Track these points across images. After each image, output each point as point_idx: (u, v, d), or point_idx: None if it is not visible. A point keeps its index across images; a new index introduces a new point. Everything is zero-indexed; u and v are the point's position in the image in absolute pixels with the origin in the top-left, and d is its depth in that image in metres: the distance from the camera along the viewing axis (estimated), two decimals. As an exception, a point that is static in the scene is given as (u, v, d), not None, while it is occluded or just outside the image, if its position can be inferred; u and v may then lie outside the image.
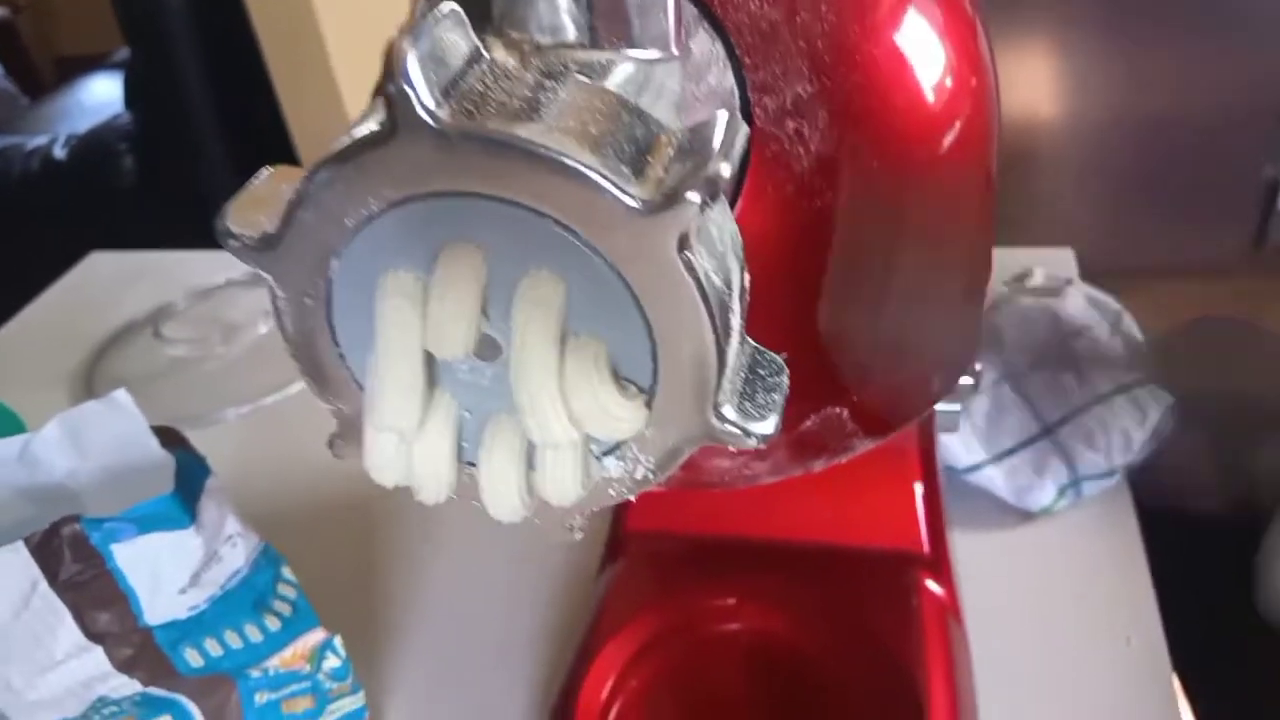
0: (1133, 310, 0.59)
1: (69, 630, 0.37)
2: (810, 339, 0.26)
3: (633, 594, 0.45)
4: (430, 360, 0.18)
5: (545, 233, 0.17)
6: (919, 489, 0.44)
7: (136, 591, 0.38)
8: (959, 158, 0.27)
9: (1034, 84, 1.75)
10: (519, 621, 0.52)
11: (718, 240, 0.18)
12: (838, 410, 0.28)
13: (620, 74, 0.20)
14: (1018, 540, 0.53)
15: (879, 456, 0.36)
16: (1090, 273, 0.67)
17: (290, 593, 0.43)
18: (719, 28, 0.23)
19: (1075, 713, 0.45)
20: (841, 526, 0.43)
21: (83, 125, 1.64)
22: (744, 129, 0.17)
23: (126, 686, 0.39)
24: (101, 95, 1.85)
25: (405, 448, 0.19)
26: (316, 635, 0.43)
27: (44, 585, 0.37)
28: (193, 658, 0.40)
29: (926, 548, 0.42)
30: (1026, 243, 0.74)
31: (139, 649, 0.39)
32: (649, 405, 0.18)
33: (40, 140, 1.63)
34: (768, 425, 0.18)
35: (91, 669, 0.38)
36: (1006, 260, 0.64)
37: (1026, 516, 0.54)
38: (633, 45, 0.21)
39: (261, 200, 0.18)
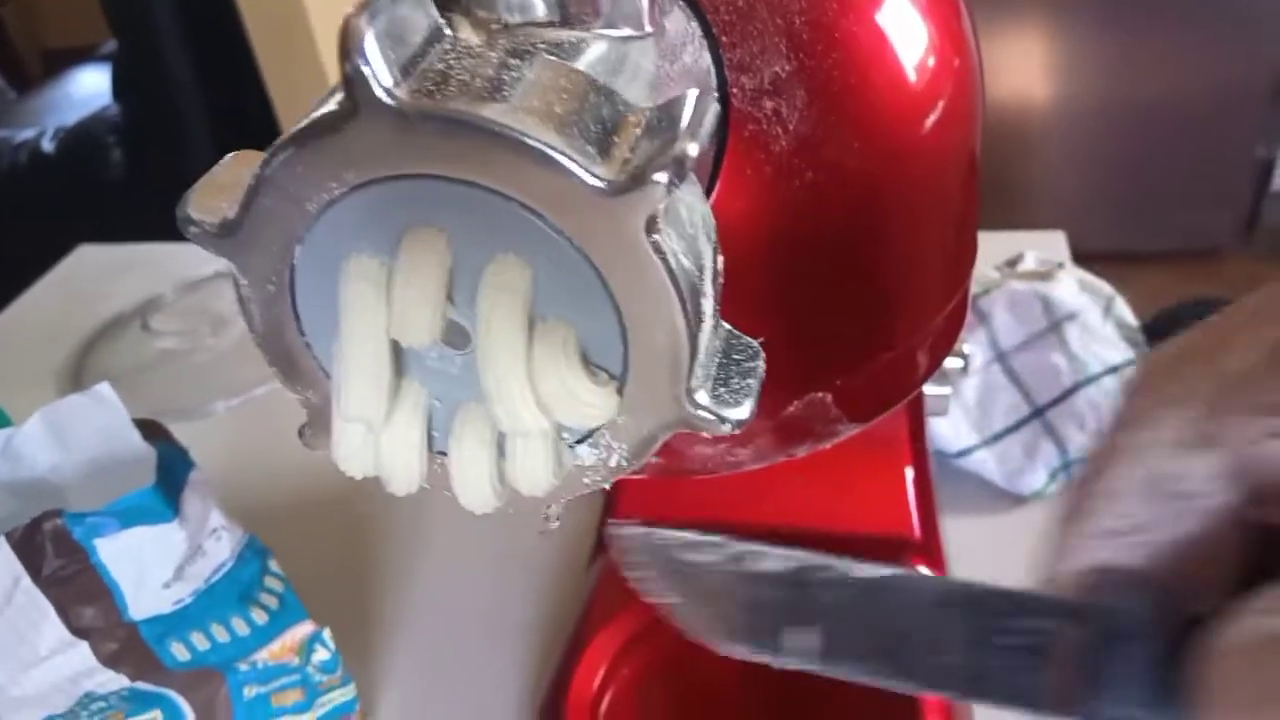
0: (1125, 294, 0.58)
1: (53, 626, 0.37)
2: (790, 322, 0.26)
3: (624, 584, 0.45)
4: (398, 348, 0.18)
5: (511, 216, 0.16)
6: (909, 474, 0.43)
7: (120, 586, 0.38)
8: (941, 138, 0.26)
9: (1027, 69, 1.74)
10: (510, 612, 0.52)
11: (688, 222, 0.17)
12: (821, 395, 0.27)
13: (592, 53, 0.20)
14: (1010, 525, 0.53)
15: (869, 441, 0.36)
16: (1082, 256, 0.67)
17: (277, 585, 0.43)
18: (694, 4, 0.23)
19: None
20: (833, 512, 0.43)
21: (70, 118, 1.63)
22: (714, 108, 0.17)
23: (113, 682, 0.39)
24: (89, 88, 1.84)
25: (373, 438, 0.19)
26: (305, 628, 0.43)
27: (27, 581, 0.36)
28: (179, 652, 0.40)
29: (918, 533, 0.42)
30: (1018, 226, 0.73)
31: (124, 644, 0.39)
32: (620, 392, 0.18)
33: (28, 133, 1.62)
34: (742, 411, 0.18)
35: (77, 664, 0.38)
36: (998, 244, 0.64)
37: (1018, 500, 0.54)
38: (605, 23, 0.20)
39: (223, 186, 0.18)
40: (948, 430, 0.54)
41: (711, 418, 0.18)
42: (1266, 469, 0.15)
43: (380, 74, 0.15)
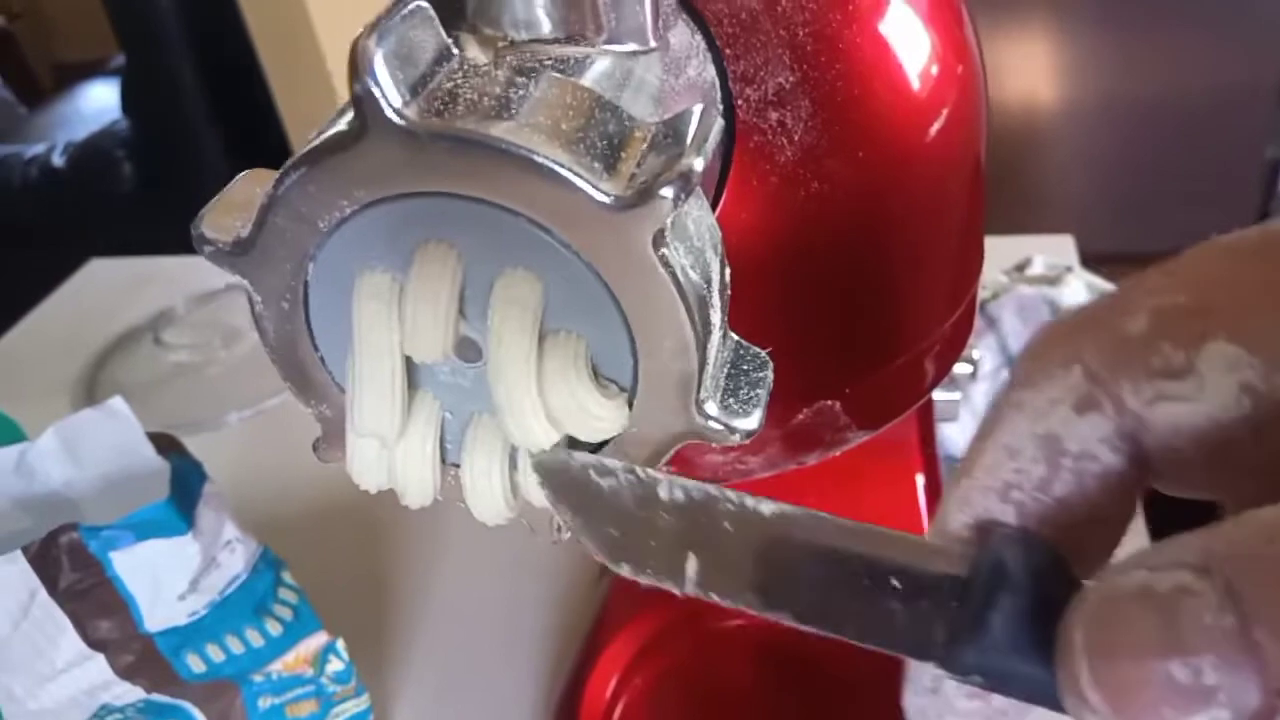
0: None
1: (70, 639, 0.38)
2: (798, 332, 0.26)
3: (636, 590, 0.45)
4: (410, 362, 0.18)
5: (520, 231, 0.17)
6: (920, 480, 0.43)
7: (136, 598, 0.38)
8: (946, 146, 0.26)
9: (1032, 71, 1.74)
10: (523, 621, 0.52)
11: (695, 235, 0.18)
12: (830, 403, 0.27)
13: (597, 69, 0.20)
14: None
15: (880, 448, 0.36)
16: (1090, 258, 0.67)
17: (291, 597, 0.43)
18: (698, 18, 0.23)
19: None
20: (844, 519, 0.43)
21: (81, 132, 1.65)
22: (718, 122, 0.17)
23: (130, 694, 0.39)
24: (99, 102, 1.85)
25: (387, 452, 0.19)
26: (319, 639, 0.43)
27: (43, 595, 0.37)
28: (195, 663, 0.40)
29: (928, 538, 0.42)
30: (1025, 229, 0.73)
31: (140, 656, 0.39)
32: (630, 404, 0.18)
33: (39, 148, 1.63)
34: (752, 421, 0.18)
35: (94, 677, 0.38)
36: (1006, 249, 0.64)
37: (1030, 504, 0.54)
38: (609, 39, 0.21)
39: (236, 205, 0.18)
40: (957, 435, 0.54)
41: (721, 428, 0.18)
42: (1156, 432, 0.15)
43: (389, 94, 0.15)
